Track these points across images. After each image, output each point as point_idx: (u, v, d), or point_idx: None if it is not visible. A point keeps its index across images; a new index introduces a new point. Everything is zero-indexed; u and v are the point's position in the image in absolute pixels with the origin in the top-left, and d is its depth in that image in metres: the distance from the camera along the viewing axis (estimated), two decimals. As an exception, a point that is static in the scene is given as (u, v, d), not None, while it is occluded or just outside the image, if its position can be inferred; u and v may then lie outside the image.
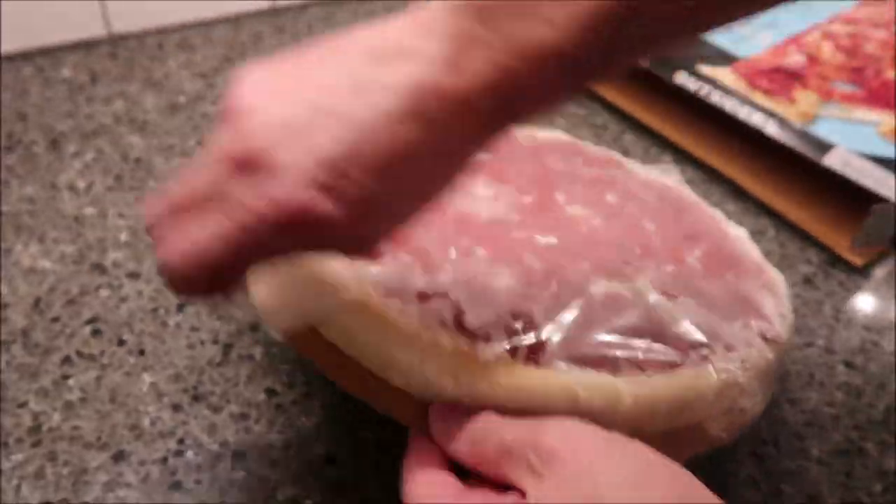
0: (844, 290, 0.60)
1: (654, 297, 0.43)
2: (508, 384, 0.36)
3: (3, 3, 0.71)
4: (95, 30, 0.79)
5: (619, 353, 0.39)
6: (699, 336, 0.42)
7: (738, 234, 0.53)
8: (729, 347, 0.42)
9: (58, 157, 0.65)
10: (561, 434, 0.31)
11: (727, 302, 0.45)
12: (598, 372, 0.38)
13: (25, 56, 0.76)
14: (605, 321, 0.41)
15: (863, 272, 0.63)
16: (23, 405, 0.47)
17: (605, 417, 0.36)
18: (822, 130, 0.63)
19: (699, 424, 0.41)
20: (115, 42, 0.80)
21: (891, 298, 0.60)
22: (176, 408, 0.48)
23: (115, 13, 0.79)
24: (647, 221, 0.52)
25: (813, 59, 0.72)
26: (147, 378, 0.49)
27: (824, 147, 0.62)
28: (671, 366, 0.40)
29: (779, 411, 0.50)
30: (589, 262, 0.45)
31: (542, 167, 0.54)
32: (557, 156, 0.56)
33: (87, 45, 0.79)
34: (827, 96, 0.68)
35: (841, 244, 0.63)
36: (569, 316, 0.40)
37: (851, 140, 0.62)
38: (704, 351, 0.41)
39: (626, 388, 0.38)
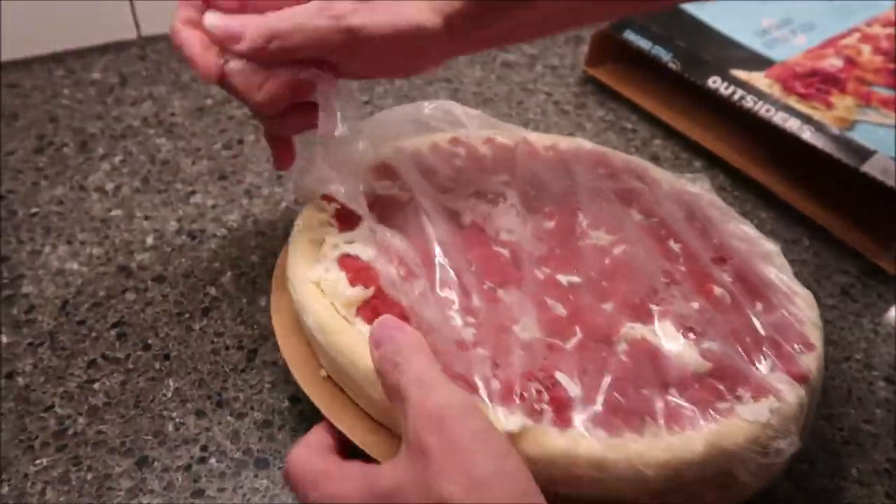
0: (884, 302, 0.58)
1: (678, 345, 0.42)
2: (534, 454, 0.37)
3: (34, 5, 0.73)
4: (125, 32, 0.80)
5: (645, 409, 0.39)
6: (723, 387, 0.41)
7: (769, 251, 0.52)
8: (758, 391, 0.41)
9: (87, 159, 0.66)
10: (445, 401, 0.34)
11: (755, 339, 0.44)
12: (623, 435, 0.38)
13: (56, 58, 0.77)
14: (630, 376, 0.40)
15: None
16: (49, 409, 0.47)
17: (630, 484, 0.37)
18: (860, 136, 0.61)
19: (730, 473, 0.39)
20: (145, 44, 0.81)
21: None
22: (199, 414, 0.48)
23: (144, 15, 0.80)
24: (674, 242, 0.50)
25: (851, 61, 0.70)
26: (171, 383, 0.49)
27: (863, 153, 0.60)
28: (697, 420, 0.39)
29: (816, 428, 0.48)
30: (613, 301, 0.44)
31: (566, 182, 0.54)
32: (581, 167, 0.55)
33: (116, 47, 0.80)
34: (865, 100, 0.66)
35: (880, 254, 0.61)
36: (593, 371, 0.40)
37: (891, 146, 0.60)
38: (730, 400, 0.40)
39: (650, 455, 0.37)
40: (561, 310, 0.44)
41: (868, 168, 0.59)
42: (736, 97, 0.66)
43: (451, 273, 0.43)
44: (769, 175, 0.69)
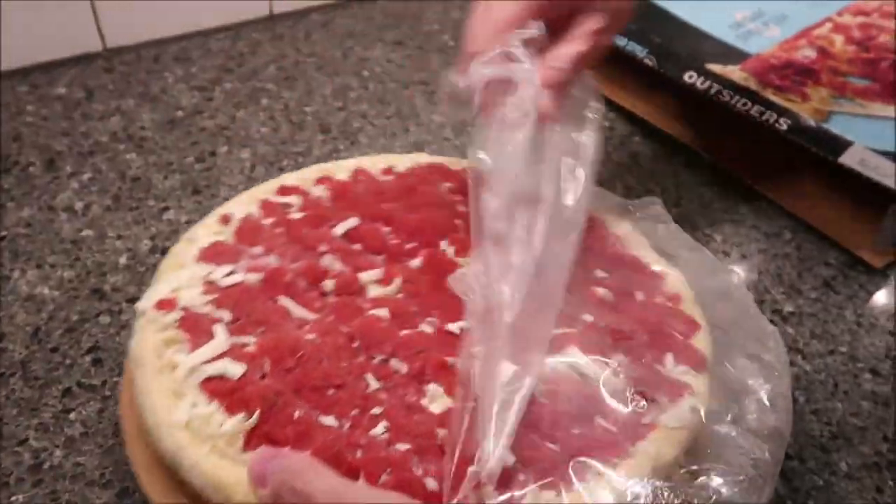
0: (866, 293, 0.57)
1: (594, 371, 0.40)
2: None
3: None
4: (90, 44, 0.77)
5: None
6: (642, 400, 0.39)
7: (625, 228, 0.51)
8: (672, 392, 0.39)
9: (54, 178, 0.64)
10: None
11: (651, 334, 0.43)
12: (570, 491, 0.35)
13: (19, 73, 0.75)
14: (556, 420, 0.38)
15: (885, 274, 0.59)
16: (23, 442, 0.45)
17: None
18: (837, 127, 0.60)
19: None
20: (111, 56, 0.78)
21: None
22: None
23: (109, 26, 0.77)
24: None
25: (824, 52, 0.69)
26: None
27: (840, 145, 0.59)
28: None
29: (803, 424, 0.46)
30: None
31: (416, 209, 0.52)
32: (427, 187, 0.54)
33: (81, 60, 0.77)
34: (840, 91, 0.65)
35: (860, 245, 0.60)
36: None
37: (868, 136, 0.59)
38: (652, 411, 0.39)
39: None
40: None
41: (845, 159, 0.58)
42: (712, 91, 0.65)
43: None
44: (749, 169, 0.67)
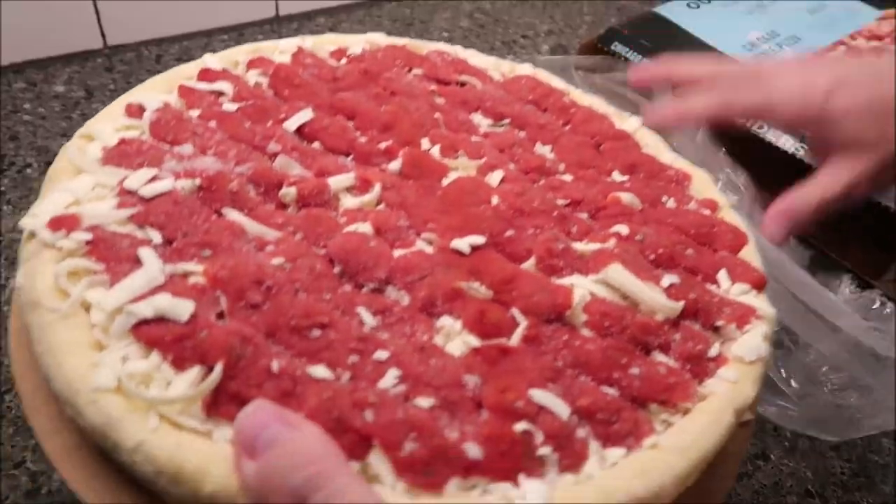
0: (885, 325, 0.55)
1: (641, 291, 0.32)
2: None
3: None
4: (90, 41, 0.72)
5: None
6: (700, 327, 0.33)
7: (633, 125, 0.45)
8: (738, 317, 0.33)
9: None
10: None
11: (694, 247, 0.36)
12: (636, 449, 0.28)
13: (16, 69, 0.69)
14: (608, 356, 0.30)
15: None
16: (19, 465, 0.42)
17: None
18: None
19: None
20: (111, 54, 0.73)
21: None
22: None
23: (110, 23, 0.71)
24: (542, 144, 0.43)
25: None
26: None
27: None
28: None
29: (823, 461, 0.45)
30: (535, 255, 0.34)
31: (383, 99, 0.43)
32: (393, 73, 0.45)
33: (81, 57, 0.71)
34: None
35: (877, 274, 0.57)
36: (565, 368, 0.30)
37: None
38: (716, 340, 0.32)
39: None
40: (483, 292, 0.32)
41: None
42: None
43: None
44: (763, 193, 0.62)
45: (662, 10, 0.72)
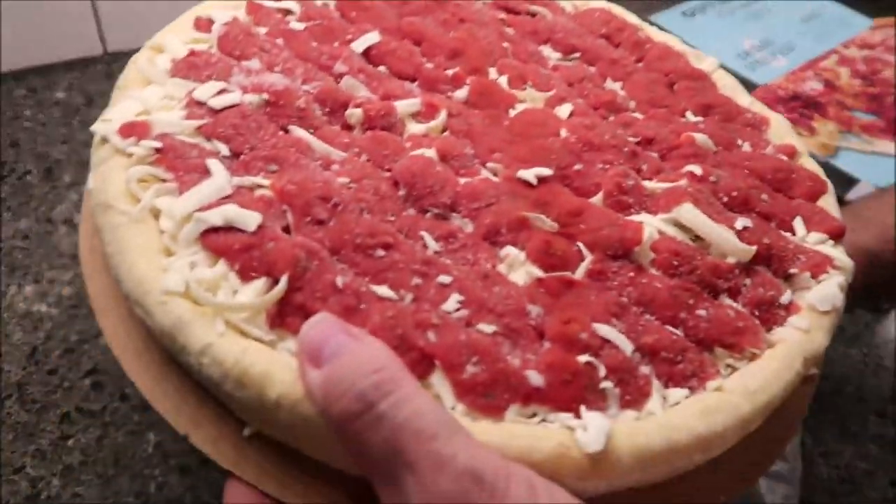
0: (871, 333, 0.55)
1: (712, 232, 0.31)
2: (628, 461, 0.25)
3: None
4: (90, 48, 0.72)
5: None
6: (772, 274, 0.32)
7: (710, 62, 0.43)
8: (813, 265, 0.31)
9: (53, 188, 0.59)
10: None
11: (769, 193, 0.35)
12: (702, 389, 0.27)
13: (16, 76, 0.69)
14: (675, 297, 0.29)
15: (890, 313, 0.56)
16: (19, 470, 0.43)
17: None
18: (844, 163, 0.61)
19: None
20: (112, 60, 0.73)
21: None
22: (184, 471, 0.43)
23: (110, 29, 0.72)
24: (612, 81, 0.41)
25: (830, 85, 0.68)
26: (152, 437, 0.44)
27: (848, 181, 0.58)
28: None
29: (811, 466, 0.46)
30: (603, 190, 0.33)
31: (450, 26, 0.41)
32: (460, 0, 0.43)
33: (81, 64, 0.72)
34: (847, 126, 0.64)
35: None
36: (630, 305, 0.29)
37: (873, 173, 0.59)
38: (788, 288, 0.31)
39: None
40: (549, 224, 0.31)
41: (853, 196, 0.57)
42: None
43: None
44: None
45: (657, 18, 0.73)
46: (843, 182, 0.58)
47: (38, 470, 0.43)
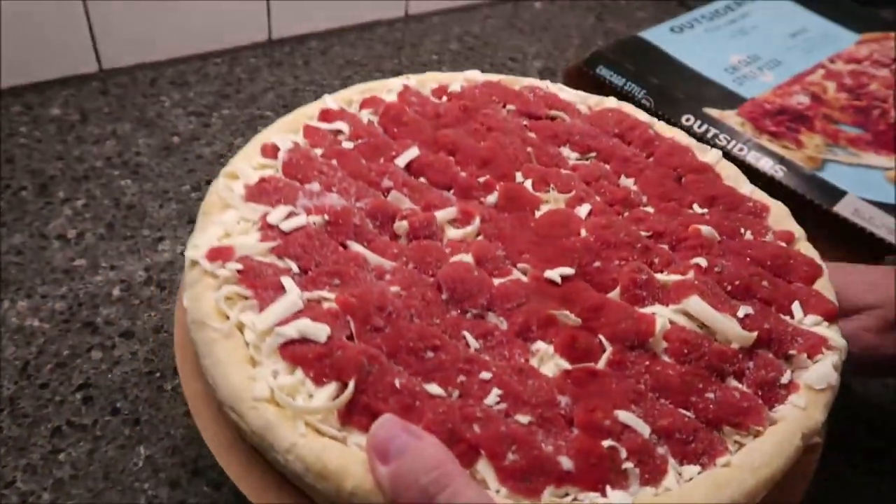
0: None
1: (717, 322, 0.36)
2: None
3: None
4: (86, 65, 0.74)
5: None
6: (773, 356, 0.36)
7: (714, 154, 0.48)
8: (809, 347, 0.35)
9: (47, 203, 0.61)
10: None
11: (769, 279, 0.39)
12: (710, 467, 0.32)
13: (12, 93, 0.71)
14: (685, 383, 0.34)
15: None
16: (10, 484, 0.43)
17: None
18: (831, 176, 0.61)
19: None
20: (106, 77, 0.75)
21: None
22: (174, 484, 0.43)
23: (105, 47, 0.74)
24: (626, 177, 0.46)
25: (817, 98, 0.69)
26: (143, 451, 0.45)
27: (835, 194, 0.59)
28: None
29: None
30: (620, 285, 0.38)
31: (481, 135, 0.47)
32: (490, 110, 0.49)
33: (77, 81, 0.74)
34: (833, 139, 0.65)
35: None
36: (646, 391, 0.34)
37: (860, 186, 0.60)
38: (787, 369, 0.35)
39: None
40: (573, 319, 0.36)
41: (840, 209, 0.58)
42: (709, 135, 0.63)
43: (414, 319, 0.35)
44: None
45: (646, 34, 0.74)
46: (831, 195, 0.59)
47: (29, 484, 0.43)
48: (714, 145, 0.61)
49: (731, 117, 0.65)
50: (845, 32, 0.79)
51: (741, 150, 0.61)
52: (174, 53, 0.78)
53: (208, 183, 0.61)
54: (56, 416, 0.46)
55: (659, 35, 0.75)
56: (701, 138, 0.61)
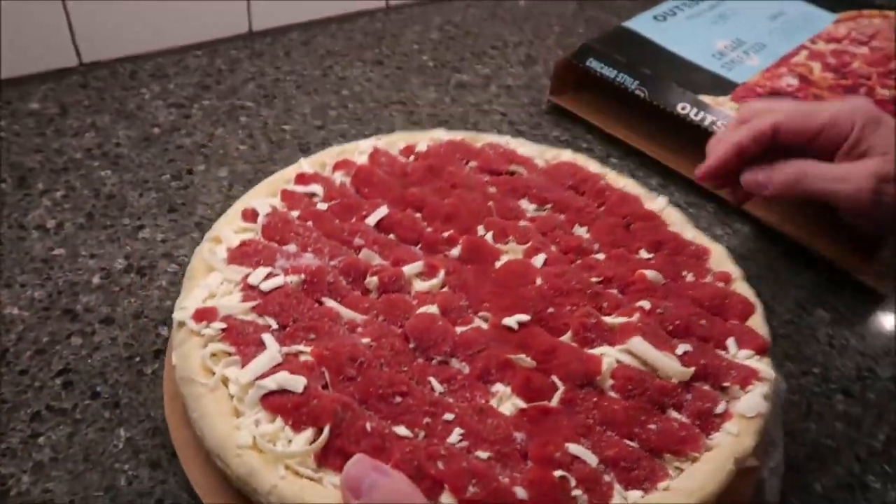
0: (837, 315, 0.58)
1: (659, 359, 0.39)
2: None
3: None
4: (65, 59, 0.75)
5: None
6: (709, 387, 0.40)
7: (659, 203, 0.52)
8: (742, 379, 0.39)
9: (26, 195, 0.62)
10: None
11: (707, 318, 0.43)
12: (651, 490, 0.35)
13: None
14: (630, 415, 0.37)
15: (854, 297, 0.59)
16: None
17: None
18: None
19: None
20: (86, 71, 0.76)
21: (885, 324, 0.57)
22: (154, 465, 0.44)
23: (85, 41, 0.75)
24: (579, 226, 0.50)
25: (805, 79, 0.71)
26: (123, 433, 0.45)
27: None
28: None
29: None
30: (571, 330, 0.41)
31: (445, 192, 0.51)
32: (453, 167, 0.53)
33: (56, 75, 0.75)
34: None
35: (862, 271, 0.60)
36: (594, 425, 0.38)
37: None
38: (723, 399, 0.39)
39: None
40: (528, 362, 0.39)
41: None
42: (706, 122, 0.65)
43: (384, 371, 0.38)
44: (733, 193, 0.65)
45: (631, 24, 0.75)
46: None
47: (8, 467, 0.43)
48: (712, 132, 0.63)
49: (725, 103, 0.67)
50: (822, 13, 0.80)
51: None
52: (154, 46, 0.79)
53: (189, 172, 0.65)
54: (35, 402, 0.46)
55: (644, 24, 0.76)
56: (698, 126, 0.64)
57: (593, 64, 0.71)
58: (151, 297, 0.54)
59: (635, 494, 0.35)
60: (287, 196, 0.49)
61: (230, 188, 0.64)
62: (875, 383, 0.53)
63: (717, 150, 0.50)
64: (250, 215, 0.47)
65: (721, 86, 0.69)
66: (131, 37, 0.77)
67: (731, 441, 0.37)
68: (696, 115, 0.65)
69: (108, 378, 0.48)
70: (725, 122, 0.64)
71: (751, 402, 0.38)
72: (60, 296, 0.54)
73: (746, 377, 0.39)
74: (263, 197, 0.49)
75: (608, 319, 0.42)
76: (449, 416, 0.36)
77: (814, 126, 0.48)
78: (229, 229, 0.46)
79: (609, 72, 0.70)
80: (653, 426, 0.37)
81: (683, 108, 0.66)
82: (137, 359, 0.50)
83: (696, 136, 0.62)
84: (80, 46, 0.75)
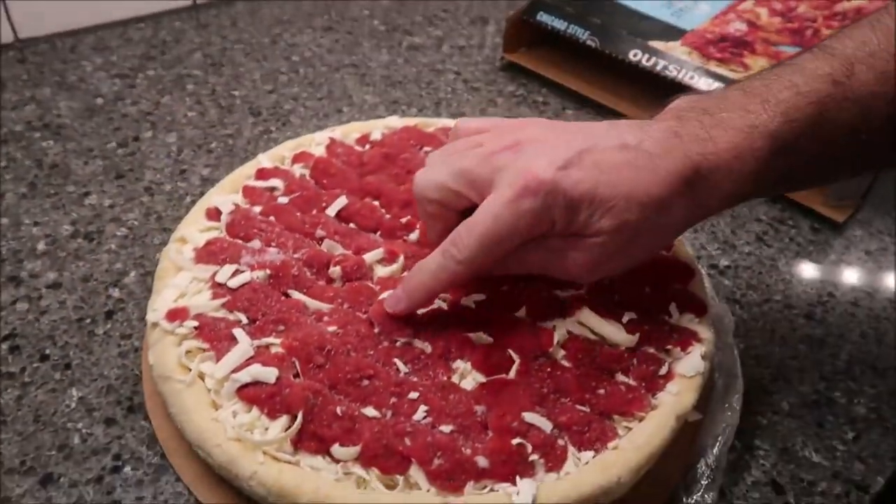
0: (796, 245, 0.61)
1: (607, 329, 0.42)
2: None
3: None
4: (1, 35, 0.75)
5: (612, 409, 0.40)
6: (654, 350, 0.42)
7: None
8: (683, 342, 0.42)
9: None
10: None
11: (651, 285, 0.46)
12: (603, 451, 0.38)
13: None
14: (582, 381, 0.40)
15: (812, 227, 0.62)
16: None
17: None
18: None
19: None
20: (23, 47, 0.77)
21: (842, 252, 0.61)
22: (109, 422, 0.45)
23: (20, 17, 0.76)
24: None
25: (753, 25, 0.74)
26: (75, 393, 0.46)
27: None
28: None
29: (744, 369, 0.48)
30: (526, 306, 0.44)
31: (402, 179, 0.52)
32: (408, 154, 0.54)
33: None
34: (775, 59, 0.69)
35: (817, 202, 0.63)
36: (548, 394, 0.40)
37: None
38: (666, 362, 0.42)
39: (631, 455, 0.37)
40: (485, 339, 0.42)
41: None
42: (658, 67, 0.68)
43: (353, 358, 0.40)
44: None
45: None
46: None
47: None
48: (664, 76, 0.66)
49: (676, 48, 0.70)
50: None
51: (691, 77, 0.66)
52: (93, 21, 0.79)
53: (136, 139, 0.66)
54: (-18, 367, 0.47)
55: (591, -26, 0.77)
56: (650, 71, 0.66)
57: (544, 17, 0.73)
58: (101, 260, 0.55)
59: (588, 455, 0.38)
60: (248, 192, 0.51)
61: (179, 153, 0.65)
62: (836, 307, 0.56)
63: (414, 294, 0.42)
64: (214, 214, 0.49)
65: (671, 33, 0.71)
66: (68, 12, 0.77)
67: (672, 400, 0.40)
68: (647, 60, 0.67)
69: (57, 341, 0.49)
70: (677, 66, 0.66)
71: (690, 363, 0.41)
72: (3, 263, 0.54)
73: (686, 339, 0.43)
74: (226, 194, 0.51)
75: (560, 293, 0.45)
76: (414, 395, 0.39)
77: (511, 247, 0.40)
78: (194, 229, 0.48)
79: (559, 24, 0.72)
80: (602, 391, 0.40)
81: (635, 56, 0.68)
82: (88, 320, 0.51)
83: (649, 82, 0.64)
84: (16, 22, 0.75)
